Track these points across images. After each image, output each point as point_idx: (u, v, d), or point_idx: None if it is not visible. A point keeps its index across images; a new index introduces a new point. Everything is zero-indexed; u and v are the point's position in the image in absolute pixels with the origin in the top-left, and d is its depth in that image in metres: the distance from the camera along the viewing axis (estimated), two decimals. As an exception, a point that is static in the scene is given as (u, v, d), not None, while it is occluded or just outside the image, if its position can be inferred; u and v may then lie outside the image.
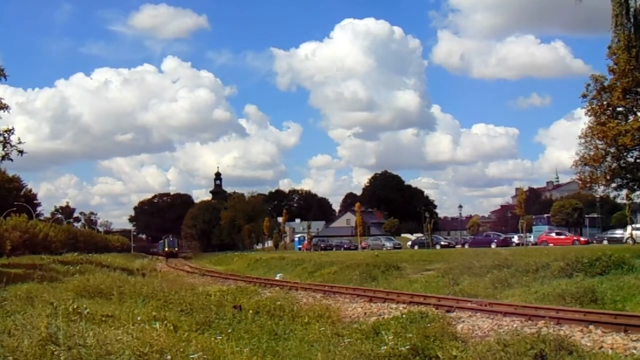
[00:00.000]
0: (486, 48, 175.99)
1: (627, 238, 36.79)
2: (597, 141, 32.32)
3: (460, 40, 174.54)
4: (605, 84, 31.64)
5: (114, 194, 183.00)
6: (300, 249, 63.73)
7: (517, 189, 68.44)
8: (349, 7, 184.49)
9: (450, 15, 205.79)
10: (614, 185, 34.13)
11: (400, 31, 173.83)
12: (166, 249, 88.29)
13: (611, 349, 10.20)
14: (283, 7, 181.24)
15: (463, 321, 13.92)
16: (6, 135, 25.53)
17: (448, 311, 15.17)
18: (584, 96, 32.55)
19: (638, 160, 32.61)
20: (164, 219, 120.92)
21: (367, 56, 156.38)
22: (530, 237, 46.21)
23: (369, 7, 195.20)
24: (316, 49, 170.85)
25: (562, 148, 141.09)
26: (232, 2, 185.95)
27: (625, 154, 32.26)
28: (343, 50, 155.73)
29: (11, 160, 26.06)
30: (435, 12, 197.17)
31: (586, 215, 52.05)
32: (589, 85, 32.30)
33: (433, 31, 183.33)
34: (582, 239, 42.43)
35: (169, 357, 7.42)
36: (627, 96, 30.91)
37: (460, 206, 61.36)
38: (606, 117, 31.86)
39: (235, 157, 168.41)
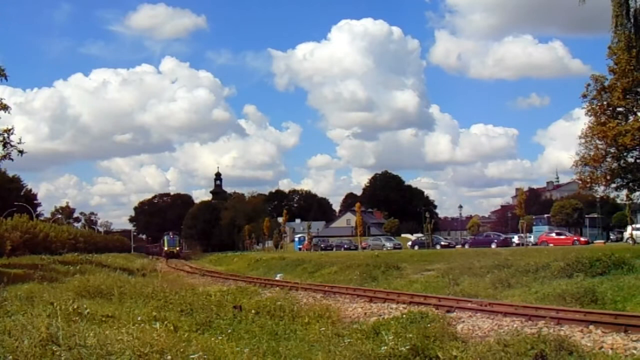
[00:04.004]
0: (483, 48, 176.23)
1: (627, 238, 36.77)
2: (597, 141, 32.33)
3: (458, 40, 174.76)
4: (606, 84, 31.67)
5: (113, 194, 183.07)
6: (300, 249, 63.74)
7: (517, 189, 68.34)
8: (346, 8, 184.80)
9: (447, 15, 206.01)
10: (614, 185, 34.14)
11: (399, 31, 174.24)
12: (165, 249, 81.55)
13: (611, 349, 10.21)
14: (280, 8, 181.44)
15: (463, 321, 13.93)
16: (6, 135, 25.52)
17: (448, 311, 15.18)
18: (584, 96, 32.61)
19: (638, 161, 32.62)
20: (164, 219, 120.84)
21: (365, 57, 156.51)
22: (530, 237, 46.09)
23: (366, 8, 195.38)
24: (314, 49, 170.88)
25: (562, 148, 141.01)
26: (231, 2, 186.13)
27: (625, 154, 32.28)
28: (341, 51, 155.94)
29: (11, 160, 26.05)
30: (432, 13, 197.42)
31: (586, 216, 51.88)
32: (589, 85, 32.37)
33: (430, 31, 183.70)
34: (582, 239, 42.40)
35: (169, 357, 7.43)
36: (627, 96, 30.94)
37: (461, 206, 61.23)
38: (606, 117, 31.88)
39: (235, 157, 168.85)
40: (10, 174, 67.09)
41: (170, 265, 55.31)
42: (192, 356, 7.61)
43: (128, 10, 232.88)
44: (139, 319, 10.87)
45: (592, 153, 32.59)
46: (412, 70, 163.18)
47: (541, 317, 13.16)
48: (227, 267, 49.72)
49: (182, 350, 7.90)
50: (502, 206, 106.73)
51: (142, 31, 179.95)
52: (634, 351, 10.03)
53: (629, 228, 37.57)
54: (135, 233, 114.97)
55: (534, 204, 74.48)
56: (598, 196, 44.17)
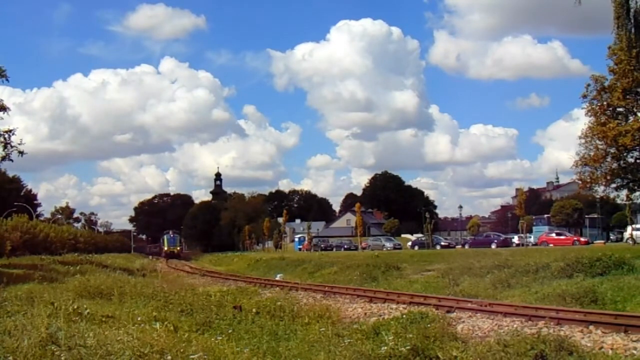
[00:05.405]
0: (482, 48, 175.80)
1: (627, 238, 36.79)
2: (597, 141, 32.29)
3: (457, 40, 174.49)
4: (606, 84, 31.62)
5: (113, 194, 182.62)
6: (300, 249, 63.75)
7: (517, 190, 68.41)
8: (345, 8, 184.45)
9: (446, 16, 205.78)
10: (614, 185, 34.11)
11: (398, 32, 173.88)
12: (165, 248, 79.05)
13: (611, 349, 10.21)
14: (279, 9, 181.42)
15: (463, 321, 13.93)
16: (7, 135, 25.57)
17: (448, 311, 15.18)
18: (584, 96, 32.56)
19: (638, 161, 32.59)
20: (165, 220, 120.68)
21: (365, 57, 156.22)
22: (530, 237, 46.14)
23: (365, 8, 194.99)
24: (313, 50, 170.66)
25: (561, 149, 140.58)
26: (230, 2, 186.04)
27: (625, 154, 32.24)
28: (340, 51, 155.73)
29: (12, 160, 26.13)
30: (431, 14, 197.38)
31: (586, 216, 51.91)
32: (589, 85, 32.31)
33: (429, 32, 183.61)
34: (582, 239, 42.41)
35: (169, 357, 7.43)
36: (628, 96, 30.90)
37: (460, 206, 61.53)
38: (606, 117, 31.84)
39: (234, 158, 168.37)
40: (10, 174, 67.10)
41: (170, 265, 55.19)
42: (192, 356, 7.61)
43: (127, 11, 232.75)
44: (139, 319, 10.87)
45: (592, 153, 32.55)
46: (412, 70, 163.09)
47: (541, 317, 13.17)
48: (227, 268, 49.70)
49: (182, 350, 7.89)
50: (502, 206, 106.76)
51: (141, 31, 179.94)
52: (634, 351, 10.04)
53: (629, 228, 37.61)
54: (135, 233, 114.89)
55: (534, 204, 74.52)
56: (598, 196, 44.20)
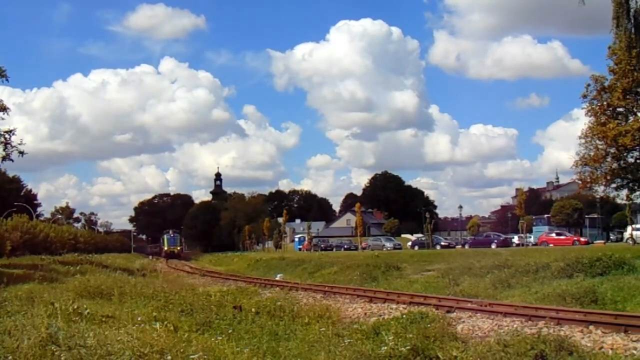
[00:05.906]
0: (482, 49, 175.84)
1: (627, 238, 36.80)
2: (597, 141, 32.32)
3: (457, 40, 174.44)
4: (606, 84, 31.64)
5: (113, 194, 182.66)
6: (300, 249, 63.77)
7: (517, 190, 68.47)
8: (345, 8, 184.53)
9: (446, 16, 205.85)
10: (614, 185, 34.15)
11: (398, 32, 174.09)
12: (165, 248, 78.39)
13: (611, 349, 10.20)
14: (279, 9, 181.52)
15: (463, 321, 13.93)
16: (7, 136, 25.60)
17: (448, 311, 15.18)
18: (584, 96, 32.59)
19: (638, 161, 32.61)
20: (165, 220, 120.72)
21: (365, 57, 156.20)
22: (530, 237, 46.14)
23: (365, 8, 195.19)
24: (313, 50, 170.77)
25: (561, 149, 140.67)
26: (230, 3, 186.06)
27: (625, 154, 32.26)
28: (340, 51, 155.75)
29: (12, 160, 26.16)
30: (431, 14, 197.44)
31: (586, 216, 51.89)
32: (589, 85, 32.34)
33: (429, 32, 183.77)
34: (582, 239, 42.41)
35: (169, 357, 7.44)
36: (627, 96, 30.92)
37: (460, 206, 61.49)
38: (606, 117, 31.87)
39: (234, 158, 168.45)
40: (10, 174, 67.18)
41: (170, 265, 55.13)
42: (192, 356, 7.61)
43: (127, 11, 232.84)
44: (139, 319, 10.88)
45: (592, 153, 32.58)
46: (412, 70, 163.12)
47: (541, 317, 13.16)
48: (227, 268, 49.71)
49: (182, 350, 7.90)
50: (502, 206, 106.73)
51: (141, 31, 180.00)
52: (634, 351, 10.03)
53: (629, 228, 37.60)
54: (135, 233, 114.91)
55: (534, 204, 74.47)
56: (598, 196, 44.22)
